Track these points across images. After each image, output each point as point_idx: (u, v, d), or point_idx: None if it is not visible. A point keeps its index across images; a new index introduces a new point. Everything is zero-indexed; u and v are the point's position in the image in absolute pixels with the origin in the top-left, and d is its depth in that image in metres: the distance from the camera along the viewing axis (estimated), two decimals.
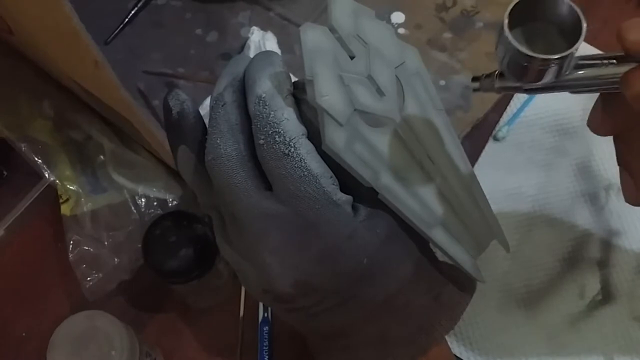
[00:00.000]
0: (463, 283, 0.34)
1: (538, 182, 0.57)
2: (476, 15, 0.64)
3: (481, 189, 0.33)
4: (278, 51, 0.60)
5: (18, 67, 0.57)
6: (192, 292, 0.51)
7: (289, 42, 0.63)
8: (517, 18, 0.25)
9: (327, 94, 0.27)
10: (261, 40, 0.60)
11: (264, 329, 0.52)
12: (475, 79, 0.29)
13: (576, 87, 0.26)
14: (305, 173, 0.28)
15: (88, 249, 0.53)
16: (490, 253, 0.34)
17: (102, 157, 0.56)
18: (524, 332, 0.52)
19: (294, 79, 0.31)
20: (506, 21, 0.24)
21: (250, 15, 0.65)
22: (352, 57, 0.29)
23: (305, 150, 0.28)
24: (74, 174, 0.56)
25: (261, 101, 0.29)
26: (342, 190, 0.29)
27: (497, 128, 0.60)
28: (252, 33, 0.61)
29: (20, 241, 0.57)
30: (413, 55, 0.33)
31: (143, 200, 0.55)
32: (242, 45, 0.62)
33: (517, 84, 0.27)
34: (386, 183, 0.28)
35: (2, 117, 0.56)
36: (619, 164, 0.32)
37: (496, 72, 0.28)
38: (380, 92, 0.29)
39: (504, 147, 0.59)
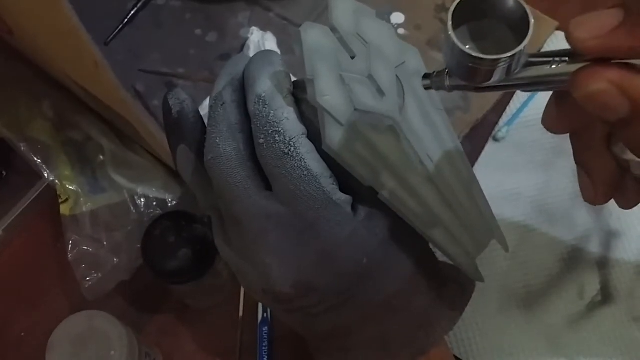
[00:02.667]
0: (463, 283, 0.34)
1: (538, 183, 0.57)
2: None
3: (480, 189, 0.33)
4: (278, 51, 0.60)
5: (18, 68, 0.57)
6: (191, 293, 0.51)
7: (289, 43, 0.63)
8: (463, 15, 0.24)
9: (328, 94, 0.27)
10: (261, 41, 0.60)
11: (264, 330, 0.52)
12: (426, 76, 0.28)
13: (527, 86, 0.26)
14: (305, 173, 0.28)
15: (87, 249, 0.53)
16: (490, 253, 0.34)
17: (101, 157, 0.56)
18: (523, 333, 0.52)
19: (293, 78, 0.31)
20: (450, 22, 0.23)
21: (249, 15, 0.65)
22: (352, 57, 0.29)
23: (305, 149, 0.28)
24: (73, 174, 0.56)
25: (261, 100, 0.29)
26: (341, 190, 0.29)
27: (496, 128, 0.60)
28: (252, 33, 0.61)
29: (20, 241, 0.57)
30: (413, 56, 0.33)
31: (142, 200, 0.55)
32: (242, 46, 0.62)
33: (466, 83, 0.26)
34: (386, 183, 0.28)
35: (2, 117, 0.56)
36: (576, 162, 0.31)
37: (446, 70, 0.27)
38: (380, 91, 0.29)
39: (503, 148, 0.59)
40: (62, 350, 0.44)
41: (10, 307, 0.55)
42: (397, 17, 0.64)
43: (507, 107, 0.61)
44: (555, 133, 0.29)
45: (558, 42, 0.61)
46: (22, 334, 0.54)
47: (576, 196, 0.56)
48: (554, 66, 0.24)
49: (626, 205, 0.30)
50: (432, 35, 0.63)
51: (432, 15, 0.64)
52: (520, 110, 0.60)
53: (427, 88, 0.28)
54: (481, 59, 0.23)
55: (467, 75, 0.25)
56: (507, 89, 0.26)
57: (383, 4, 0.64)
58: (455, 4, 0.24)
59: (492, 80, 0.24)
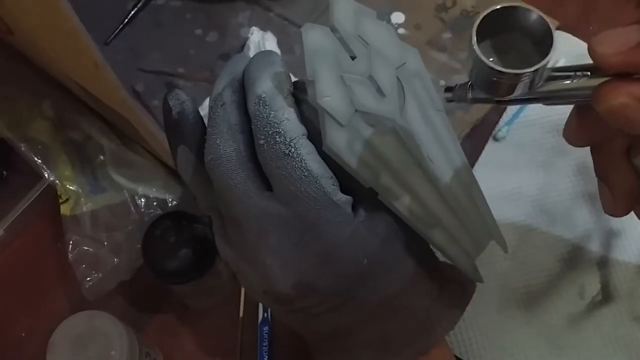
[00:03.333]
0: (463, 283, 0.34)
1: (538, 182, 0.57)
2: (476, 15, 0.64)
3: (480, 190, 0.33)
4: (278, 51, 0.60)
5: (18, 68, 0.57)
6: (191, 293, 0.51)
7: (289, 43, 0.63)
8: (488, 29, 0.24)
9: (328, 95, 0.27)
10: (261, 41, 0.60)
11: (264, 330, 0.52)
12: (448, 89, 0.28)
13: (549, 100, 0.26)
14: (306, 174, 0.28)
15: (88, 249, 0.53)
16: (490, 253, 0.34)
17: (101, 157, 0.56)
18: (523, 333, 0.52)
19: (293, 79, 0.31)
20: (474, 35, 0.24)
21: (250, 15, 0.65)
22: (353, 58, 0.29)
23: (305, 150, 0.28)
24: (73, 174, 0.56)
25: (261, 101, 0.29)
26: (341, 190, 0.29)
27: (497, 128, 0.60)
28: (252, 33, 0.61)
29: (20, 241, 0.57)
30: (414, 56, 0.32)
31: (143, 200, 0.55)
32: (242, 46, 0.62)
33: (488, 96, 0.26)
34: (386, 183, 0.28)
35: (2, 117, 0.56)
36: (596, 175, 0.31)
37: (469, 83, 0.28)
38: (380, 92, 0.29)
39: (503, 147, 0.59)
40: (62, 350, 0.44)
41: (10, 307, 0.55)
42: (397, 17, 0.64)
43: (507, 107, 0.61)
44: (576, 146, 0.29)
45: (558, 42, 0.61)
46: (23, 334, 0.54)
47: (576, 196, 0.56)
48: (575, 80, 0.24)
49: None
50: (432, 35, 0.63)
51: (432, 15, 0.64)
52: (520, 109, 0.60)
53: (449, 101, 0.28)
54: (505, 72, 0.23)
55: (490, 89, 0.25)
56: (529, 102, 0.27)
57: (383, 4, 0.64)
58: (479, 18, 0.24)
59: (515, 93, 0.25)
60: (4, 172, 0.58)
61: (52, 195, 0.55)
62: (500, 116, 0.60)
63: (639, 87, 0.23)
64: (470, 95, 0.27)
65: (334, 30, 0.29)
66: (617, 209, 0.30)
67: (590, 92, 0.24)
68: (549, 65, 0.24)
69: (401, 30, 0.63)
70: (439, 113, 0.32)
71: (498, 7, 0.24)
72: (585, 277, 0.53)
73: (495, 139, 0.59)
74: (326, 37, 0.29)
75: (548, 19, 0.24)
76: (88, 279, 0.52)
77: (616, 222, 0.55)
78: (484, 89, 0.25)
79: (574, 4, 0.64)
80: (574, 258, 0.54)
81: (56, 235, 0.56)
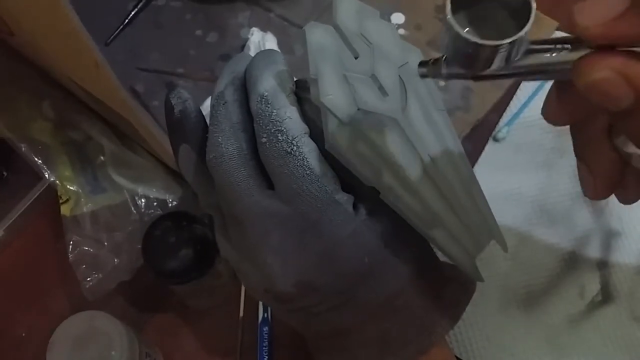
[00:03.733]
0: (464, 282, 0.34)
1: (538, 183, 0.57)
2: None
3: (480, 189, 0.33)
4: None
5: (18, 68, 0.57)
6: (191, 293, 0.51)
7: (289, 43, 0.63)
8: (464, 0, 0.23)
9: (331, 93, 0.27)
10: (261, 41, 0.60)
11: (264, 330, 0.52)
12: (422, 64, 0.27)
13: (527, 75, 0.24)
14: (308, 172, 0.28)
15: (88, 250, 0.53)
16: (490, 254, 0.34)
17: (102, 157, 0.56)
18: (523, 333, 0.52)
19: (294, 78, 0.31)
20: (448, 5, 0.22)
21: (250, 16, 0.65)
22: (356, 57, 0.29)
23: (307, 149, 0.28)
24: (73, 175, 0.56)
25: (263, 99, 0.29)
26: (343, 189, 0.29)
27: (497, 129, 0.60)
28: (252, 34, 0.61)
29: (20, 241, 0.57)
30: (416, 56, 0.33)
31: (143, 200, 0.55)
32: (242, 46, 0.62)
33: (464, 71, 0.25)
34: (388, 182, 0.28)
35: (3, 118, 0.56)
36: (576, 156, 0.30)
37: (444, 57, 0.26)
38: (383, 91, 0.29)
39: (503, 148, 0.59)
40: (62, 351, 0.44)
41: (10, 307, 0.55)
42: (398, 18, 0.64)
43: (508, 107, 0.61)
44: (555, 125, 0.27)
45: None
46: (23, 334, 0.54)
47: (576, 196, 0.56)
48: (555, 54, 0.23)
49: (627, 200, 0.30)
50: (433, 36, 0.63)
51: (432, 15, 0.65)
52: (520, 110, 0.60)
53: (423, 76, 0.27)
54: (480, 44, 0.22)
55: (465, 62, 0.24)
56: (507, 77, 0.25)
57: (383, 4, 0.64)
58: None
59: (492, 68, 0.23)
60: (4, 173, 0.58)
61: (52, 196, 0.55)
62: (501, 116, 0.60)
63: (621, 60, 0.21)
64: (445, 71, 0.26)
65: (337, 29, 0.30)
66: (597, 192, 0.29)
67: (570, 66, 0.22)
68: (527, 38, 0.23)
69: (401, 31, 0.63)
70: (440, 112, 0.32)
71: None
72: (585, 278, 0.53)
73: (495, 140, 0.59)
74: (329, 36, 0.29)
75: None
76: (88, 279, 0.52)
77: (616, 223, 0.55)
78: (459, 63, 0.24)
79: (574, 2, 0.64)
80: (574, 258, 0.54)
81: (56, 236, 0.56)
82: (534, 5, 0.22)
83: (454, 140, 0.32)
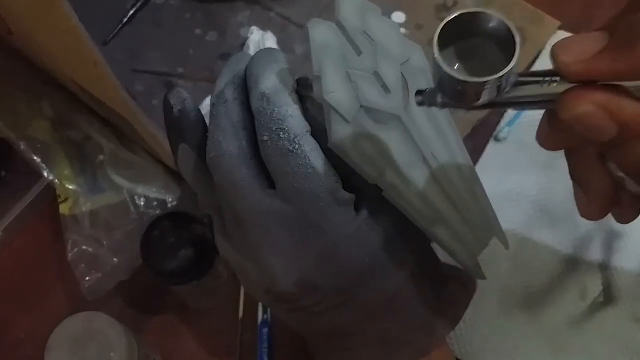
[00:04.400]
0: (465, 283, 0.34)
1: (539, 183, 0.57)
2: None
3: (482, 187, 0.33)
4: None
5: (17, 67, 0.57)
6: (191, 293, 0.51)
7: (289, 42, 0.62)
8: (451, 36, 0.23)
9: (334, 91, 0.27)
10: (261, 40, 0.60)
11: (264, 331, 0.52)
12: (419, 93, 0.28)
13: (518, 105, 0.25)
14: (310, 171, 0.28)
15: (87, 249, 0.53)
16: (491, 254, 0.34)
17: (101, 157, 0.56)
18: (524, 334, 0.52)
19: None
20: (436, 44, 0.23)
21: (249, 15, 0.65)
22: (358, 54, 0.29)
23: (309, 147, 0.28)
24: (73, 174, 0.56)
25: (265, 98, 0.29)
26: (344, 189, 0.29)
27: (498, 129, 0.60)
28: (252, 33, 0.61)
29: (19, 241, 0.57)
30: (418, 53, 0.32)
31: (142, 200, 0.55)
32: (242, 45, 0.62)
33: (455, 104, 0.26)
34: (391, 180, 0.28)
35: (2, 117, 0.56)
36: (571, 179, 0.31)
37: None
38: (386, 89, 0.29)
39: (505, 148, 0.59)
40: (61, 351, 0.44)
41: (9, 307, 0.55)
42: (398, 17, 0.64)
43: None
44: (548, 150, 0.29)
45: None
46: (22, 334, 0.54)
47: None
48: (544, 86, 0.24)
49: (623, 219, 0.30)
50: (433, 35, 0.63)
51: (433, 15, 0.64)
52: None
53: (420, 104, 0.28)
54: (467, 82, 0.23)
55: (456, 97, 0.24)
56: (498, 108, 0.26)
57: (384, 4, 0.64)
58: (440, 26, 0.23)
59: (482, 100, 0.24)
60: (3, 172, 0.58)
61: (51, 195, 0.55)
62: (502, 117, 0.60)
63: (602, 95, 0.22)
64: (440, 100, 0.26)
65: (340, 26, 0.29)
66: (592, 213, 0.30)
67: (556, 99, 0.23)
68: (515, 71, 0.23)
69: (402, 30, 0.63)
70: (442, 110, 0.32)
71: (459, 13, 0.23)
72: (587, 278, 0.53)
73: (497, 140, 0.59)
74: (333, 33, 0.29)
75: (510, 25, 0.23)
76: (87, 278, 0.52)
77: (618, 224, 0.55)
78: (450, 98, 0.25)
79: (575, 2, 0.64)
80: (575, 259, 0.54)
81: (55, 235, 0.55)
82: (518, 40, 0.22)
83: (456, 138, 0.32)
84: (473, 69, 0.23)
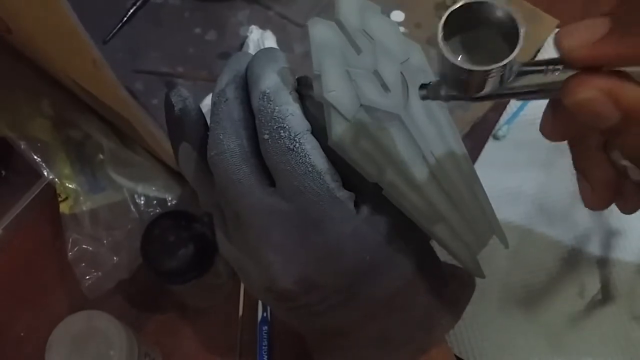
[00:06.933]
0: (464, 282, 0.34)
1: (538, 181, 0.57)
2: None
3: (482, 186, 0.33)
4: None
5: (17, 67, 0.57)
6: (191, 292, 0.51)
7: (288, 41, 0.62)
8: (455, 27, 0.24)
9: (334, 89, 0.27)
10: (260, 39, 0.60)
11: (263, 329, 0.52)
12: (422, 86, 0.28)
13: (522, 95, 0.25)
14: (310, 169, 0.28)
15: (87, 248, 0.53)
16: (490, 253, 0.34)
17: (101, 156, 0.56)
18: (523, 332, 0.52)
19: None
20: (440, 34, 0.23)
21: (249, 14, 0.65)
22: (358, 53, 0.29)
23: (310, 145, 0.28)
24: (73, 173, 0.56)
25: (265, 96, 0.29)
26: (344, 187, 0.29)
27: (497, 127, 0.60)
28: (251, 32, 0.61)
29: (19, 240, 0.57)
30: (417, 52, 0.33)
31: (142, 199, 0.55)
32: (241, 44, 0.62)
33: (460, 94, 0.26)
34: (391, 179, 0.28)
35: (2, 116, 0.56)
36: (575, 168, 0.31)
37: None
38: (385, 87, 0.29)
39: (504, 146, 0.59)
40: (61, 350, 0.44)
41: (10, 306, 0.55)
42: (397, 15, 0.64)
43: (508, 106, 0.61)
44: (552, 140, 0.29)
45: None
46: (22, 333, 0.54)
47: (576, 195, 0.56)
48: (548, 74, 0.24)
49: (627, 209, 0.30)
50: (432, 34, 0.63)
51: (432, 13, 0.64)
52: (520, 108, 0.60)
53: (424, 98, 0.28)
54: (471, 70, 0.23)
55: (460, 87, 0.25)
56: (502, 98, 0.26)
57: (383, 2, 0.64)
58: (445, 16, 0.23)
59: (485, 90, 0.24)
60: (4, 171, 0.58)
61: (51, 194, 0.55)
62: (501, 115, 0.60)
63: (606, 80, 0.22)
64: (444, 93, 0.27)
65: (339, 24, 0.29)
66: (596, 203, 0.30)
67: (560, 87, 0.23)
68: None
69: (401, 29, 0.63)
70: (442, 109, 0.32)
71: (463, 2, 0.23)
72: (585, 277, 0.53)
73: (496, 138, 0.59)
74: (332, 31, 0.29)
75: (515, 14, 0.23)
76: (87, 277, 0.52)
77: (616, 222, 0.55)
78: (454, 87, 0.25)
79: (574, 0, 0.64)
80: (574, 257, 0.54)
81: (55, 234, 0.56)
82: (522, 30, 0.23)
83: (455, 137, 0.32)
84: (477, 59, 0.23)
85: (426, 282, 0.33)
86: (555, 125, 0.27)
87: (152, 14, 0.65)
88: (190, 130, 0.32)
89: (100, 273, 0.52)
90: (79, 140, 0.57)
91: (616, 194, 0.30)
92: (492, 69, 0.23)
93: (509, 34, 0.23)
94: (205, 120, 0.33)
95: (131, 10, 0.64)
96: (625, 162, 0.29)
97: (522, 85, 0.25)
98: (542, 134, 0.28)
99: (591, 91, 0.22)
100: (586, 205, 0.31)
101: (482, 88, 0.24)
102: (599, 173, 0.29)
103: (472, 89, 0.24)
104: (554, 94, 0.24)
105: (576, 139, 0.29)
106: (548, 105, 0.27)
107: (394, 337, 0.32)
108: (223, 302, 0.54)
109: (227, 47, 0.63)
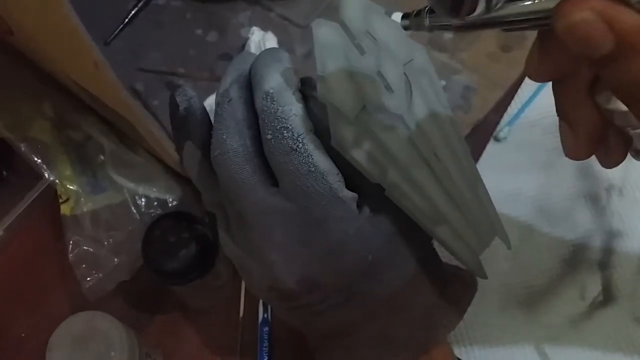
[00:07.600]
0: (466, 282, 0.34)
1: (539, 183, 0.57)
2: None
3: (484, 186, 0.33)
4: None
5: (18, 68, 0.57)
6: (192, 293, 0.51)
7: (289, 42, 0.63)
8: None
9: (337, 90, 0.27)
10: (261, 40, 0.60)
11: (264, 330, 0.52)
12: (405, 16, 0.27)
13: (509, 24, 0.24)
14: (312, 169, 0.28)
15: (88, 249, 0.53)
16: (491, 254, 0.34)
17: (102, 157, 0.56)
18: (524, 333, 0.52)
19: None
20: None
21: (250, 15, 0.65)
22: (362, 54, 0.29)
23: (312, 146, 0.28)
24: (73, 174, 0.56)
25: (269, 96, 0.29)
26: (347, 187, 0.29)
27: (498, 128, 0.60)
28: (253, 33, 0.61)
29: (20, 241, 0.57)
30: (420, 53, 0.33)
31: (143, 200, 0.55)
32: (243, 46, 0.62)
33: (447, 21, 0.25)
34: (393, 179, 0.28)
35: (2, 117, 0.56)
36: (557, 114, 0.29)
37: (426, 9, 0.26)
38: (389, 88, 0.29)
39: (504, 148, 0.59)
40: (62, 351, 0.44)
41: (10, 307, 0.55)
42: (398, 17, 0.64)
43: (509, 107, 0.61)
44: (537, 80, 0.27)
45: None
46: (22, 334, 0.54)
47: (577, 196, 0.56)
48: (537, 0, 0.23)
49: (609, 163, 0.29)
50: (433, 35, 0.63)
51: None
52: (521, 110, 0.60)
53: (406, 28, 0.27)
54: None
55: (451, 6, 0.23)
56: (489, 27, 0.25)
57: (384, 3, 0.64)
58: None
59: (475, 13, 0.23)
60: (4, 172, 0.58)
61: (52, 195, 0.55)
62: (501, 116, 0.60)
63: (602, 1, 0.21)
64: (428, 22, 0.26)
65: (343, 26, 0.30)
66: (578, 151, 0.28)
67: (551, 14, 0.22)
68: None
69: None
70: (444, 110, 0.32)
71: None
72: (586, 278, 0.53)
73: (496, 140, 0.59)
74: (336, 32, 0.29)
75: None
76: (88, 278, 0.52)
77: (617, 222, 0.55)
78: (443, 9, 0.23)
79: None
80: (575, 259, 0.54)
81: (56, 235, 0.56)
82: None
83: (457, 138, 0.32)
84: None
85: (427, 282, 0.33)
86: (541, 62, 0.26)
87: (154, 15, 0.65)
88: (194, 130, 0.32)
89: (101, 274, 0.52)
90: (80, 141, 0.57)
91: (599, 142, 0.28)
92: None
93: None
94: (210, 121, 0.33)
95: (133, 12, 0.64)
96: (611, 106, 0.28)
97: (510, 13, 0.24)
98: (528, 75, 0.27)
99: (585, 12, 0.21)
100: (566, 154, 0.29)
101: (474, 9, 0.23)
102: (583, 118, 0.28)
103: (463, 9, 0.23)
104: (544, 22, 0.23)
105: (562, 81, 0.28)
106: (535, 42, 0.26)
107: (395, 336, 0.32)
108: (224, 302, 0.54)
109: (228, 49, 0.63)
